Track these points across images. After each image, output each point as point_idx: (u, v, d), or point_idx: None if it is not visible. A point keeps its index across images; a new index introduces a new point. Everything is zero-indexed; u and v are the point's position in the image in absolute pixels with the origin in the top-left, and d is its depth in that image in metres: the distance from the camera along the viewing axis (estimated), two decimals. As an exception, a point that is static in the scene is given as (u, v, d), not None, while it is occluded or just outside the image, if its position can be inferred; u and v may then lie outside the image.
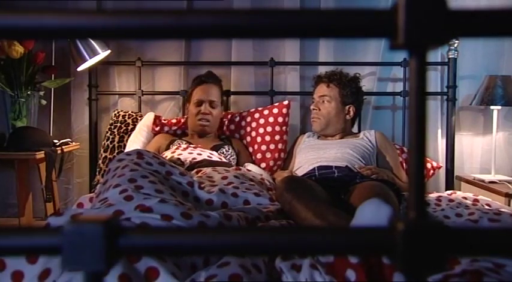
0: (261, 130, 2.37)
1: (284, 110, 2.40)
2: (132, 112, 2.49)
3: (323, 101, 2.19)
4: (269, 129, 2.36)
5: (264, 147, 2.35)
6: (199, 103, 2.24)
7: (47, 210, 2.30)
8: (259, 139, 2.37)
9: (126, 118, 2.44)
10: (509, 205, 2.11)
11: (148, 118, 2.38)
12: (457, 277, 0.94)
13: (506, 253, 0.34)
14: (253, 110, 2.45)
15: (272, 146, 2.34)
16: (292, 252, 0.37)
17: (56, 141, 2.31)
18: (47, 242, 0.31)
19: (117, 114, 2.47)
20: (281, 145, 2.36)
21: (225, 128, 2.41)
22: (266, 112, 2.40)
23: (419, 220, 0.31)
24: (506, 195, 2.14)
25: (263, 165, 2.32)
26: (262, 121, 2.39)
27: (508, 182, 2.29)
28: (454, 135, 2.50)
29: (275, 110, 2.40)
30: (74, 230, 0.30)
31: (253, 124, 2.40)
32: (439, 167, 2.43)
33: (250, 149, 2.37)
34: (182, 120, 2.39)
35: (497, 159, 2.47)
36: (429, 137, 2.51)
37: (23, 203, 2.07)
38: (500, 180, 2.31)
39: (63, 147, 2.28)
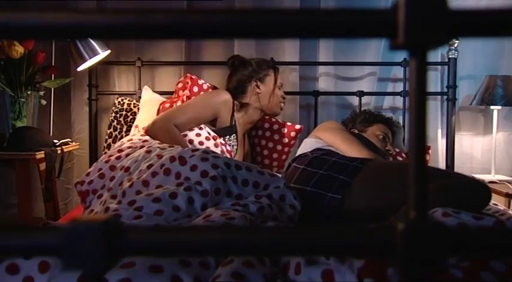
0: (268, 133, 2.35)
1: (293, 134, 2.35)
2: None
3: None
4: (276, 137, 2.34)
5: (271, 145, 2.34)
6: (281, 86, 2.26)
7: (47, 210, 2.30)
8: (263, 142, 2.36)
9: (132, 107, 2.43)
10: (509, 205, 2.11)
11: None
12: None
13: (506, 253, 0.34)
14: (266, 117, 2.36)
15: (279, 147, 2.33)
16: (292, 252, 0.37)
17: (56, 141, 2.31)
18: (46, 242, 0.31)
19: (122, 102, 2.44)
20: (287, 148, 2.34)
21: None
22: (276, 127, 2.35)
23: (419, 220, 0.30)
24: (506, 195, 2.14)
25: (266, 161, 2.31)
26: (268, 133, 2.36)
27: (508, 182, 2.29)
28: (454, 135, 2.50)
29: (284, 130, 2.35)
30: (74, 229, 0.30)
31: (260, 131, 2.37)
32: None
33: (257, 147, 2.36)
34: None
35: (497, 159, 2.47)
36: (429, 137, 2.51)
37: (23, 203, 2.07)
38: (500, 180, 2.32)
39: (63, 147, 2.28)
